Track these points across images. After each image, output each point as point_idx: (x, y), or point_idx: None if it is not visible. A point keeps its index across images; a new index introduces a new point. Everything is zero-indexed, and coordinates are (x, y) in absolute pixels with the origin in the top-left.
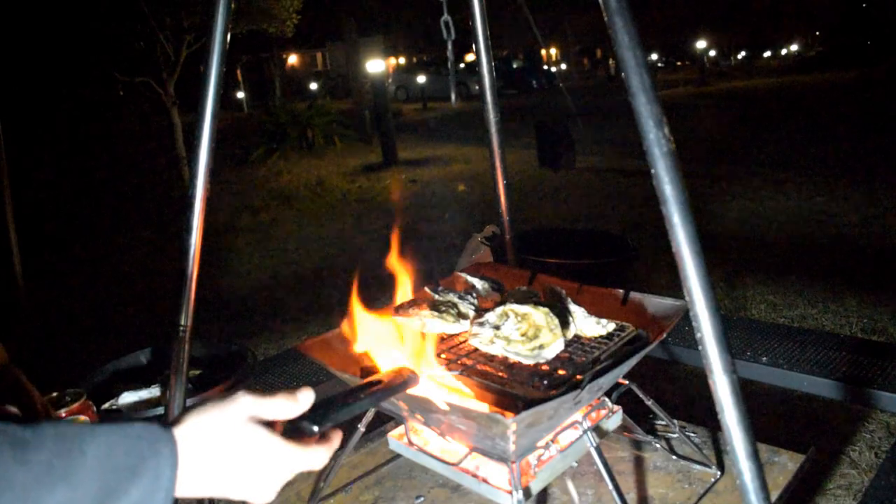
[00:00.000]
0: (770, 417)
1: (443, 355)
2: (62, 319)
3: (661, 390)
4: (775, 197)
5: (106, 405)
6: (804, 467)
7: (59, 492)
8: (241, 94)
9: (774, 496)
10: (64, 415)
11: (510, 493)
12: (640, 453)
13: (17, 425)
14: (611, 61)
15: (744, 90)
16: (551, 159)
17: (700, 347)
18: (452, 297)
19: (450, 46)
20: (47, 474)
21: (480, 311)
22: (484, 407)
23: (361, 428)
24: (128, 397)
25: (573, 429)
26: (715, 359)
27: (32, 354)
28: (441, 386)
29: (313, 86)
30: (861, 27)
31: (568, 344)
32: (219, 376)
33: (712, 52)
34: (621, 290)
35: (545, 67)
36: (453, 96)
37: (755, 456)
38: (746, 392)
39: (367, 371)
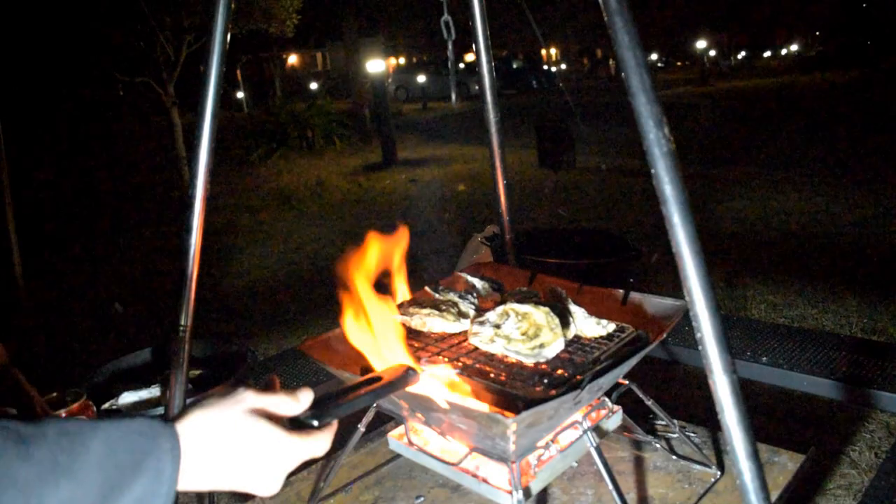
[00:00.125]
0: (770, 417)
1: (443, 354)
2: (62, 319)
3: (661, 390)
4: (775, 197)
5: (106, 405)
6: (804, 467)
7: (62, 488)
8: (241, 94)
9: (774, 496)
10: (64, 415)
11: (510, 493)
12: (640, 453)
13: (20, 422)
14: (611, 61)
15: (744, 90)
16: (551, 159)
17: (700, 347)
18: (453, 297)
19: (450, 46)
20: (51, 470)
21: (481, 311)
22: (484, 406)
23: (361, 428)
24: (128, 397)
25: (573, 429)
26: (715, 359)
27: (32, 354)
28: (441, 384)
29: (313, 86)
30: (861, 27)
31: (568, 344)
32: (219, 376)
33: (712, 52)
34: (621, 291)
35: (545, 67)
36: (453, 96)
37: (755, 456)
38: (746, 392)
39: (368, 370)
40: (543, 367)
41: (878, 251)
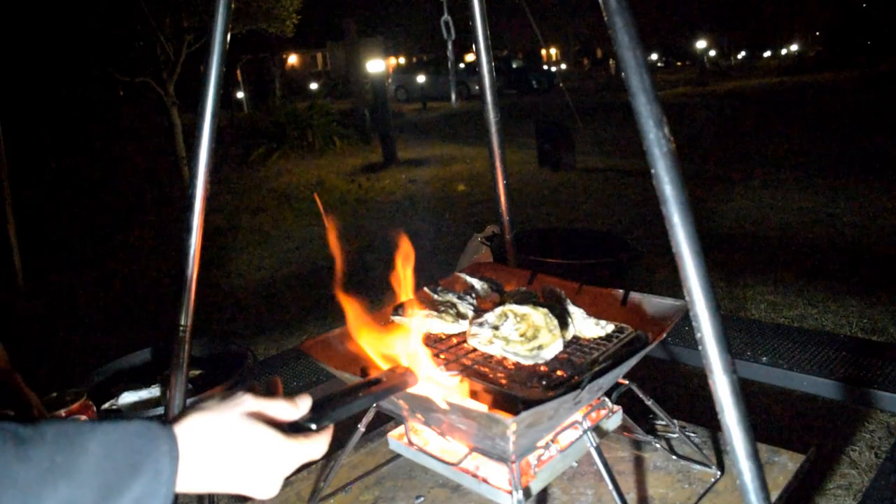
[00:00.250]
0: (770, 417)
1: (441, 355)
2: (62, 319)
3: (661, 390)
4: (775, 197)
5: (106, 405)
6: (804, 467)
7: (61, 489)
8: (241, 94)
9: (774, 496)
10: (64, 415)
11: (510, 493)
12: (640, 453)
13: (18, 424)
14: (611, 61)
15: (744, 90)
16: (551, 159)
17: (700, 347)
18: (451, 298)
19: (450, 46)
20: (49, 471)
21: (479, 312)
22: (483, 407)
23: (361, 428)
24: (128, 397)
25: (573, 429)
26: (715, 359)
27: (32, 354)
28: (440, 385)
29: (313, 86)
30: (861, 27)
31: (567, 345)
32: (219, 376)
33: (712, 52)
34: (621, 291)
35: (545, 67)
36: (453, 96)
37: (755, 456)
38: (746, 392)
39: (367, 371)
40: (542, 368)
41: (878, 251)
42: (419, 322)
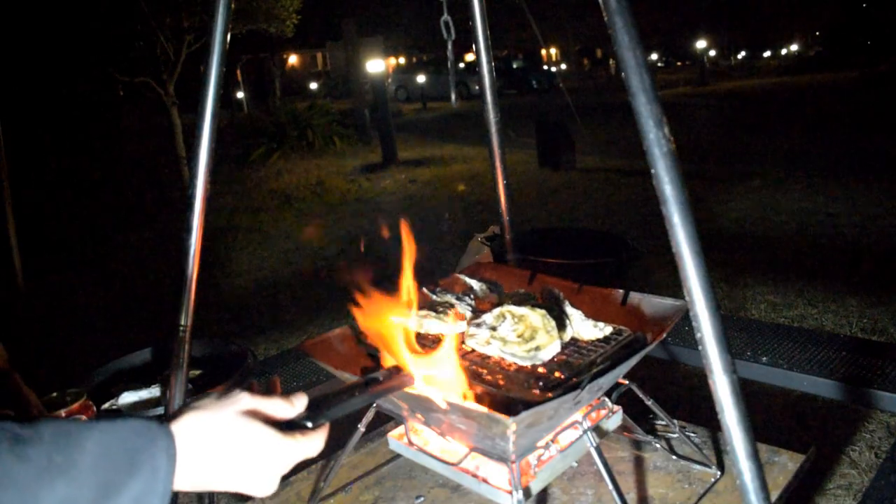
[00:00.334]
0: (770, 417)
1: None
2: (62, 319)
3: (662, 390)
4: (775, 197)
5: (106, 405)
6: (804, 467)
7: (58, 487)
8: (241, 94)
9: (774, 496)
10: (64, 415)
11: (510, 493)
12: (640, 453)
13: (16, 423)
14: (611, 61)
15: (744, 90)
16: (551, 159)
17: (700, 347)
18: (450, 298)
19: (450, 46)
20: (47, 470)
21: (477, 313)
22: (482, 407)
23: (361, 428)
24: (128, 397)
25: (573, 429)
26: (715, 359)
27: (32, 355)
28: (437, 386)
29: (313, 86)
30: (861, 27)
31: (565, 347)
32: (219, 376)
33: (712, 52)
34: (621, 291)
35: (545, 67)
36: (453, 96)
37: (755, 456)
38: (746, 392)
39: (368, 371)
40: (541, 369)
41: (878, 251)
42: (417, 322)
